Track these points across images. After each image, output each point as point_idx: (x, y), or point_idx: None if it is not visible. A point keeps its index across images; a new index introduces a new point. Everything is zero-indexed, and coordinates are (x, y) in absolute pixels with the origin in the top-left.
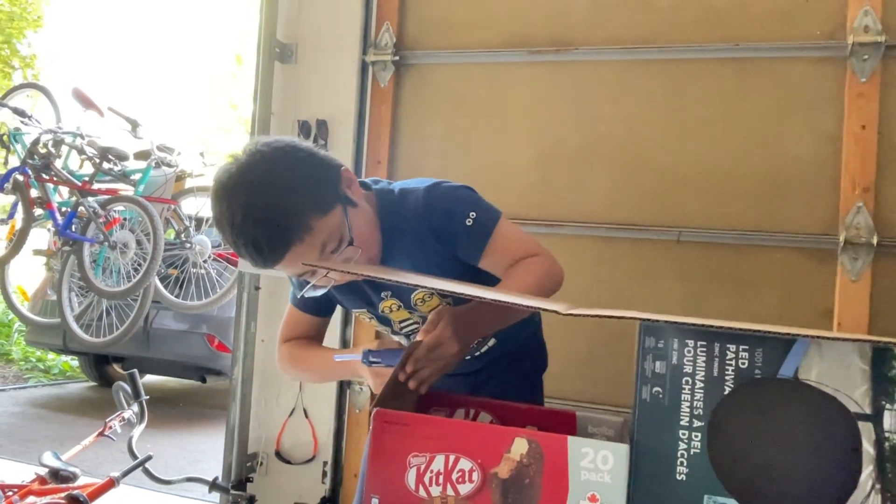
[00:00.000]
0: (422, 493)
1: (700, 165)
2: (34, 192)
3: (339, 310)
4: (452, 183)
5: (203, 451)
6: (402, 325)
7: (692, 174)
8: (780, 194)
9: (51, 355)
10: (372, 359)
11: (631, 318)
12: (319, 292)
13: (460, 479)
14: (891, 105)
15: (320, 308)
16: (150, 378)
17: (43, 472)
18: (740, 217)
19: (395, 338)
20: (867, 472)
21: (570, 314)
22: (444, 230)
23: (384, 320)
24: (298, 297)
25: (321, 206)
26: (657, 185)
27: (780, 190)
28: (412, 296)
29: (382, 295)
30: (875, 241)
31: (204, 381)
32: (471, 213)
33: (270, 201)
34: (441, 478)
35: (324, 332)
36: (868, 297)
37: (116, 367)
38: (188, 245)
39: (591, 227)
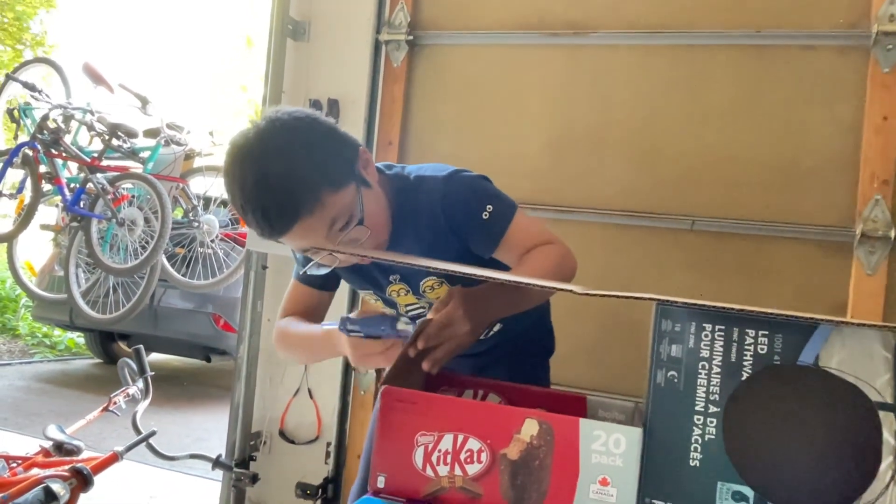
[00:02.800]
0: (429, 472)
1: (716, 153)
2: (43, 168)
3: (344, 293)
4: (471, 173)
5: (206, 430)
6: (408, 308)
7: (708, 162)
8: (797, 185)
9: (57, 331)
10: (350, 327)
11: (648, 298)
12: (323, 271)
13: (468, 460)
14: None
15: (324, 282)
16: (155, 356)
17: (47, 444)
18: (756, 207)
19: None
20: (887, 462)
21: (587, 294)
22: (460, 221)
23: (390, 303)
24: (301, 273)
25: (335, 182)
26: (672, 173)
27: (797, 180)
28: (421, 283)
29: (391, 279)
30: (892, 234)
31: (209, 360)
32: (488, 206)
33: (284, 170)
34: (449, 457)
35: (325, 308)
36: (883, 292)
37: (122, 345)
38: (196, 224)
39: (604, 214)
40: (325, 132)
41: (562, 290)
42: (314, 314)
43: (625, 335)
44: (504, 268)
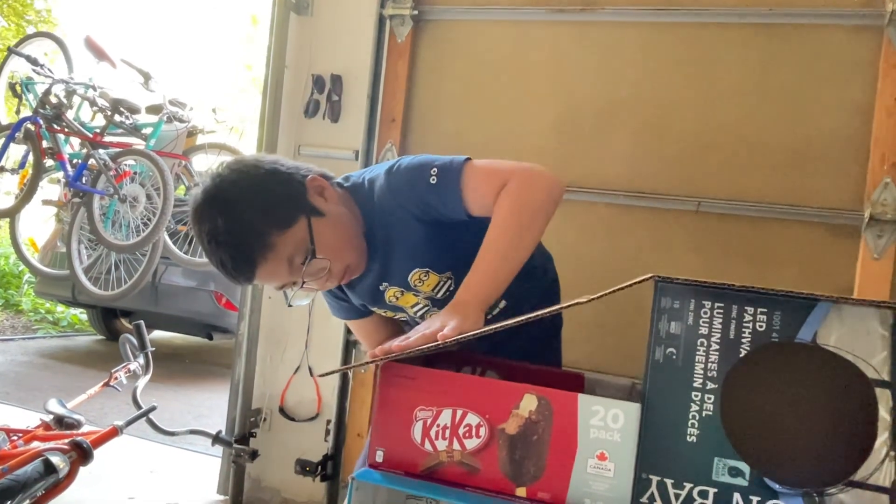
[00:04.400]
0: (427, 446)
1: (724, 134)
2: (45, 143)
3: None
4: (410, 157)
5: (208, 407)
6: (416, 310)
7: (715, 143)
8: (805, 166)
9: (60, 307)
10: None
11: (647, 278)
12: (304, 302)
13: (467, 434)
14: None
15: (363, 310)
16: (157, 334)
17: (48, 418)
18: (762, 189)
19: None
20: (882, 439)
21: (592, 299)
22: (414, 201)
23: (398, 309)
24: (309, 307)
25: (282, 222)
26: (679, 153)
27: (805, 162)
28: (409, 278)
29: (381, 287)
30: None
31: (210, 338)
32: (432, 171)
33: (230, 224)
34: (448, 432)
35: (390, 322)
36: (890, 276)
37: (124, 322)
38: None
39: (609, 194)
40: (265, 175)
41: (568, 306)
42: (387, 333)
43: (626, 314)
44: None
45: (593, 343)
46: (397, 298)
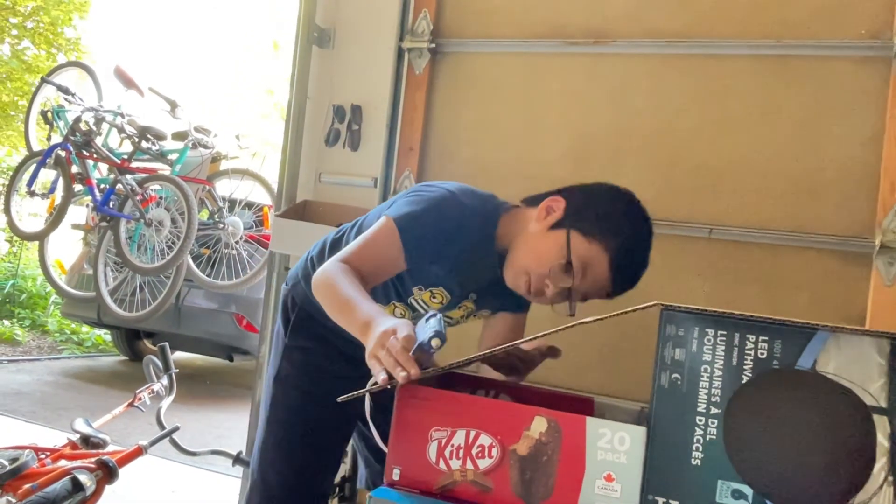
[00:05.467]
0: (442, 465)
1: (735, 162)
2: (75, 169)
3: None
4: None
5: (228, 428)
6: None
7: (726, 171)
8: (815, 195)
9: (85, 328)
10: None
11: (652, 305)
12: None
13: (480, 455)
14: None
15: (418, 262)
16: (178, 355)
17: (74, 437)
18: (773, 216)
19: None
20: (880, 464)
21: (597, 320)
22: None
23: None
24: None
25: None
26: (690, 182)
27: (815, 191)
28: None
29: (470, 296)
30: None
31: (231, 359)
32: (397, 201)
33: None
34: (461, 452)
35: (380, 282)
36: None
37: (147, 343)
38: (221, 226)
39: None
40: None
41: (572, 325)
42: (369, 282)
43: (638, 340)
44: None
45: (606, 368)
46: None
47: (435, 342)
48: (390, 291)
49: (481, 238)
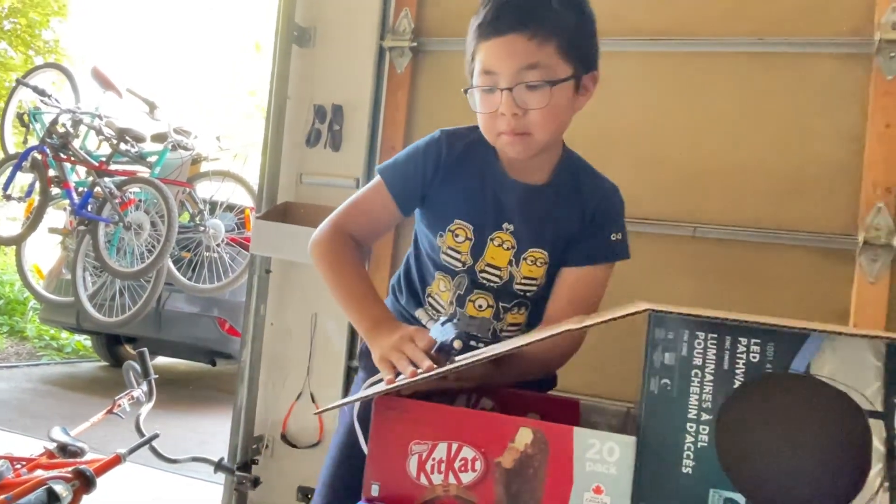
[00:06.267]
0: (423, 480)
1: (718, 161)
2: (52, 172)
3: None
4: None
5: (211, 434)
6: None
7: (710, 169)
8: (799, 192)
9: (64, 334)
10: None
11: (642, 311)
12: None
13: (463, 468)
14: None
15: (408, 201)
16: (160, 360)
17: (51, 446)
18: (758, 214)
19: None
20: (876, 469)
21: (583, 327)
22: (598, 221)
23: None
24: (396, 180)
25: (574, 52)
26: (674, 180)
27: (799, 188)
28: (524, 254)
29: (504, 226)
30: (895, 242)
31: (214, 364)
32: (618, 234)
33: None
34: (443, 466)
35: (381, 237)
36: (886, 300)
37: (128, 348)
38: (202, 228)
39: None
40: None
41: (559, 333)
42: (369, 238)
43: (625, 340)
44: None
45: (594, 370)
46: (498, 252)
47: (457, 343)
48: (428, 265)
49: (471, 141)
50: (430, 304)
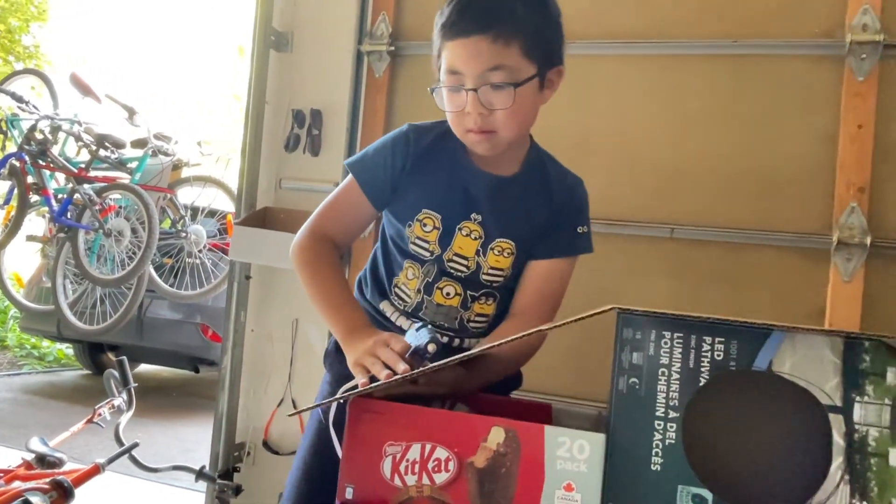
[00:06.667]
0: (397, 482)
1: (695, 162)
2: (30, 179)
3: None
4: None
5: (195, 441)
6: (453, 264)
7: (687, 170)
8: (774, 193)
9: (45, 342)
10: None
11: (608, 309)
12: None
13: (436, 469)
14: (888, 105)
15: (381, 196)
16: (144, 367)
17: (29, 457)
18: (734, 215)
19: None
20: (836, 463)
21: (552, 327)
22: (563, 214)
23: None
24: (369, 178)
25: (550, 58)
26: (651, 182)
27: (774, 188)
28: (491, 245)
29: (473, 216)
30: (868, 241)
31: (197, 371)
32: (583, 227)
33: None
34: (417, 467)
35: (359, 235)
36: (860, 298)
37: (111, 356)
38: (183, 234)
39: None
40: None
41: (530, 333)
42: (348, 238)
43: (600, 341)
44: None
45: (570, 371)
46: (462, 247)
47: (431, 347)
48: (396, 256)
49: (439, 134)
50: (396, 295)
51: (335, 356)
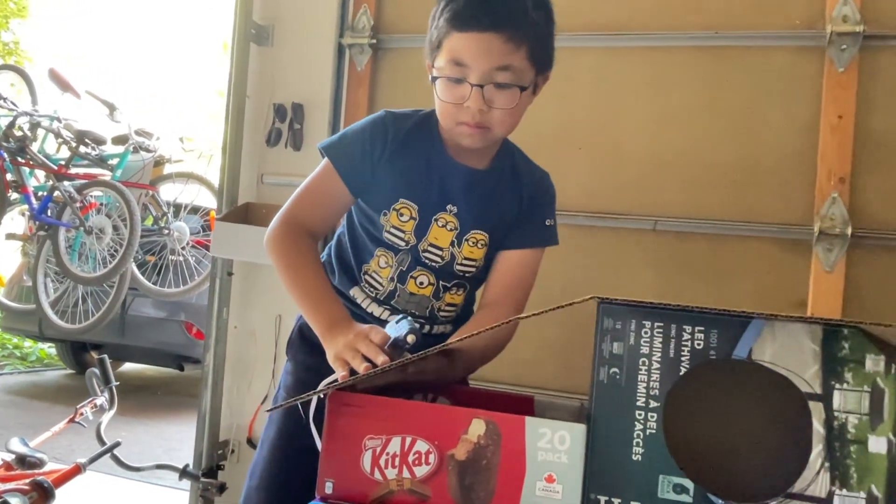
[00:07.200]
0: (377, 476)
1: (678, 154)
2: (9, 176)
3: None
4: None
5: (179, 440)
6: (427, 254)
7: (669, 163)
8: (756, 184)
9: (28, 342)
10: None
11: (588, 299)
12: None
13: (417, 462)
14: (868, 95)
15: (357, 182)
16: (128, 366)
17: (9, 458)
18: (717, 206)
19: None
20: (816, 451)
21: (528, 316)
22: (533, 204)
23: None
24: (348, 168)
25: (546, 65)
26: (634, 174)
27: (756, 179)
28: (467, 236)
29: (448, 207)
30: (849, 231)
31: (182, 369)
32: (550, 220)
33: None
34: (397, 460)
35: (336, 222)
36: (842, 288)
37: (94, 355)
38: (166, 231)
39: (567, 216)
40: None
41: (507, 322)
42: (324, 226)
43: (587, 336)
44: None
45: (559, 364)
46: (438, 238)
47: (410, 338)
48: (366, 242)
49: (415, 123)
50: (367, 282)
51: (299, 345)
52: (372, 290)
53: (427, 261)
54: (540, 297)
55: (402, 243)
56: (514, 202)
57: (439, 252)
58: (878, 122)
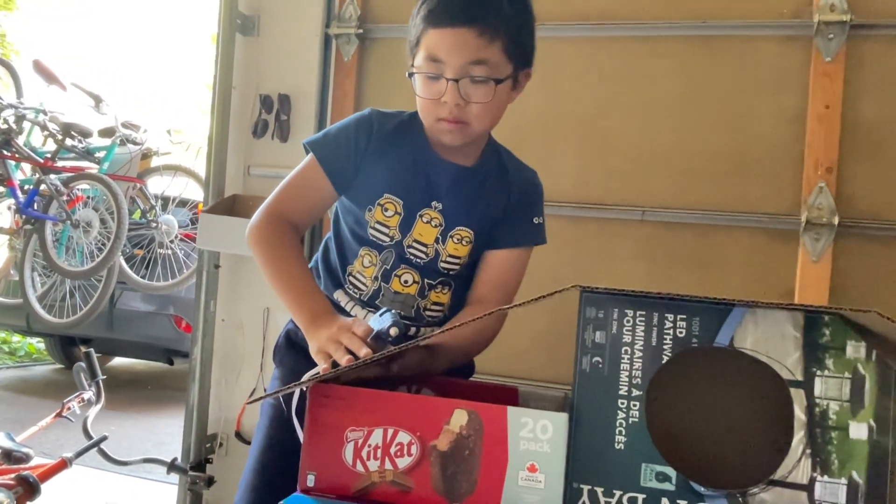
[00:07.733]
0: (359, 468)
1: (665, 144)
2: None
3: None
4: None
5: (169, 434)
6: (412, 250)
7: (657, 153)
8: (744, 174)
9: (16, 337)
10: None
11: (570, 288)
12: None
13: (399, 453)
14: (855, 85)
15: (343, 177)
16: (117, 360)
17: None
18: (704, 196)
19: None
20: (798, 437)
21: (511, 307)
22: (523, 203)
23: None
24: (330, 156)
25: (521, 51)
26: (622, 164)
27: (744, 169)
28: (451, 232)
29: (433, 204)
30: (836, 221)
31: (171, 363)
32: (539, 218)
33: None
34: (379, 452)
35: (318, 218)
36: (829, 277)
37: (83, 349)
38: (154, 225)
39: (556, 206)
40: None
41: (491, 313)
42: (307, 220)
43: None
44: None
45: (550, 354)
46: (423, 233)
47: (393, 331)
48: (351, 243)
49: (401, 121)
50: (351, 284)
51: (286, 350)
52: (356, 290)
53: (411, 257)
54: (528, 288)
55: (387, 239)
56: (500, 199)
57: (424, 249)
58: (865, 112)
